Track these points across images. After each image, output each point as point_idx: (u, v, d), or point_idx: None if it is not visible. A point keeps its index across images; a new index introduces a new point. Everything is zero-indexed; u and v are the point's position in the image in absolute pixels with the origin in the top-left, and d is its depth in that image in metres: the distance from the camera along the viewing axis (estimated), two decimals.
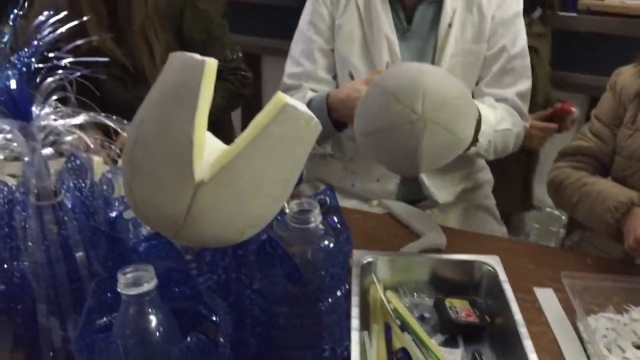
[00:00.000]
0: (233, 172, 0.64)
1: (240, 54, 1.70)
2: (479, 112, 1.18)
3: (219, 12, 1.65)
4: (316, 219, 0.77)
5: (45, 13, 0.81)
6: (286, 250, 0.74)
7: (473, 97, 1.37)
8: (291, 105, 0.64)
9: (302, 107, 0.65)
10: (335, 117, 1.30)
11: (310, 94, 1.39)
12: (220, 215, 0.66)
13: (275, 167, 0.67)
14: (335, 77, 1.45)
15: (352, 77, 1.38)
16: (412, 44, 1.37)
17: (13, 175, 0.95)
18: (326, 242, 0.78)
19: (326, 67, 1.43)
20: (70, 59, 0.76)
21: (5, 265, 0.83)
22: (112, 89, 1.55)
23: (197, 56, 0.65)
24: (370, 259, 1.03)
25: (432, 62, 1.35)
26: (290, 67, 1.46)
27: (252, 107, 2.16)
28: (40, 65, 0.75)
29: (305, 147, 0.69)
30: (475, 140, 1.14)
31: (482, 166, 1.53)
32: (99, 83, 1.34)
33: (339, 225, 0.80)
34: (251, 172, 0.65)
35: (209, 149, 0.66)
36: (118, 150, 0.94)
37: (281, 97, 0.64)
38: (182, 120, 0.63)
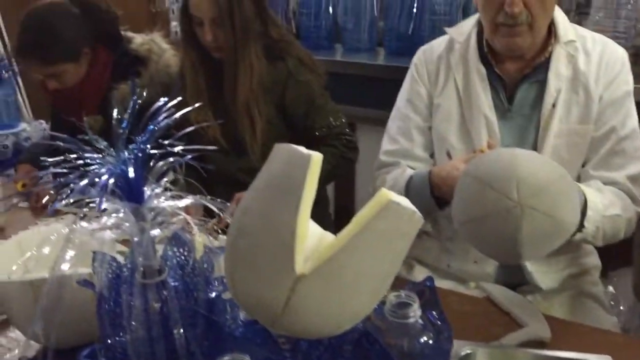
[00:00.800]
0: (334, 267, 0.64)
1: (344, 120, 1.73)
2: (585, 197, 1.12)
3: (320, 83, 1.70)
4: (415, 313, 0.75)
5: (162, 100, 0.87)
6: (383, 345, 0.72)
7: (579, 179, 1.32)
8: (395, 202, 0.63)
9: (406, 203, 0.65)
10: (437, 194, 1.28)
11: (409, 171, 1.38)
12: (319, 308, 0.66)
13: (376, 262, 0.66)
14: (432, 155, 1.43)
15: (449, 156, 1.36)
16: (513, 124, 1.34)
17: (121, 252, 1.00)
18: (425, 338, 0.75)
19: (423, 145, 1.43)
20: (183, 147, 0.79)
21: (109, 340, 0.86)
22: (217, 161, 1.61)
23: (303, 150, 0.66)
24: (468, 351, 0.98)
25: (535, 143, 1.31)
26: (386, 144, 1.47)
27: (346, 174, 2.19)
28: (155, 152, 0.80)
29: (406, 241, 0.68)
30: (581, 226, 1.08)
31: (590, 250, 1.45)
32: (203, 156, 1.39)
33: (439, 322, 0.77)
34: (352, 267, 0.64)
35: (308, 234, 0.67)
36: (220, 231, 0.96)
37: (385, 193, 0.63)
38: (286, 213, 0.64)
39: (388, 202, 0.63)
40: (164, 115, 0.82)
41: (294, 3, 2.58)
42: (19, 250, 1.06)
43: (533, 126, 1.32)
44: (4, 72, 2.91)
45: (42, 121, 3.12)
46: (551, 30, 1.32)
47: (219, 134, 1.62)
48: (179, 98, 0.87)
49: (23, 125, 3.04)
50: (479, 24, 1.37)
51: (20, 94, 3.38)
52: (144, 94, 1.64)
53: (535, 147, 1.31)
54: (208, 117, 1.60)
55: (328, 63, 2.43)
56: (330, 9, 2.45)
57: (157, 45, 1.82)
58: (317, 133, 1.67)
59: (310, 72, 1.68)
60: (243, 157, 1.64)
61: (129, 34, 1.85)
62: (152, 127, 0.82)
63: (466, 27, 1.41)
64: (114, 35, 1.79)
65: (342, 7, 2.43)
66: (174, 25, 2.96)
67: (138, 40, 1.82)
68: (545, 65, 1.31)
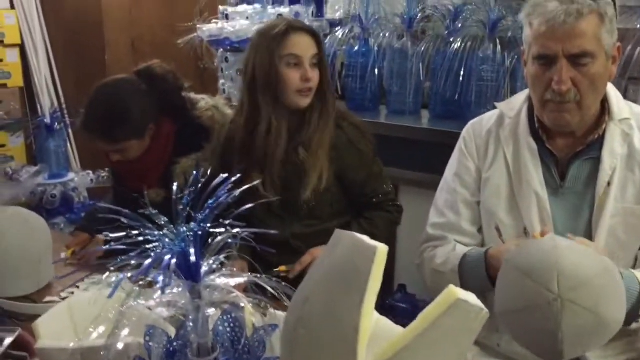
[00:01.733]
0: None
1: (392, 186, 1.76)
2: None
3: (374, 150, 1.71)
4: None
5: (222, 176, 0.88)
6: None
7: (637, 262, 1.27)
8: (463, 300, 0.62)
9: (474, 300, 0.63)
10: (491, 274, 1.25)
11: (461, 247, 1.36)
12: None
13: (440, 358, 0.64)
14: (480, 229, 1.41)
15: (499, 232, 1.34)
16: (565, 201, 1.31)
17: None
18: None
19: (471, 220, 1.41)
20: (242, 230, 0.79)
21: None
22: (270, 226, 1.60)
23: (368, 240, 0.65)
24: None
25: (590, 222, 1.28)
26: (434, 217, 1.46)
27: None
28: (214, 230, 0.80)
29: (472, 337, 0.66)
30: (637, 316, 1.04)
31: None
32: (258, 220, 1.39)
33: None
34: None
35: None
36: (272, 310, 0.95)
37: (453, 291, 0.62)
38: (350, 307, 0.63)
39: (457, 300, 0.61)
40: (224, 192, 0.83)
41: (340, 65, 2.62)
42: (70, 315, 1.07)
43: (587, 205, 1.29)
44: (56, 123, 3.01)
45: (90, 171, 3.20)
46: (605, 107, 1.31)
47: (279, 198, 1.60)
48: (240, 168, 0.88)
49: (71, 175, 3.13)
50: (530, 99, 1.36)
51: (70, 144, 3.49)
52: (205, 168, 1.69)
53: (589, 227, 1.28)
54: (272, 181, 1.60)
55: (373, 125, 2.44)
56: (376, 72, 2.48)
57: (221, 113, 1.80)
58: (374, 200, 1.70)
59: (366, 140, 1.69)
60: (297, 223, 1.64)
61: (192, 96, 1.84)
62: (212, 203, 0.83)
63: (517, 102, 1.40)
64: (178, 106, 1.77)
65: (387, 70, 2.46)
66: (222, 83, 3.04)
67: (202, 104, 1.80)
68: (599, 143, 1.29)
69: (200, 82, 3.97)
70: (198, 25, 2.85)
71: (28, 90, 3.60)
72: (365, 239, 0.65)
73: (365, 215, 1.70)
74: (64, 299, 1.46)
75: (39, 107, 3.58)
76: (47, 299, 1.47)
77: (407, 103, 2.45)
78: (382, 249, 0.64)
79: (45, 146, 3.05)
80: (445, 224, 1.42)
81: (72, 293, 1.48)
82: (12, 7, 3.46)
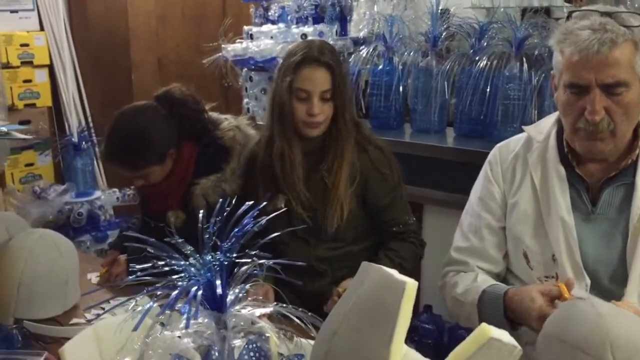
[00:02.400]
0: None
1: (414, 219, 1.73)
2: None
3: (400, 175, 1.69)
4: None
5: (247, 203, 0.87)
6: None
7: None
8: (496, 339, 0.60)
9: (507, 338, 0.61)
10: (510, 316, 1.24)
11: (481, 277, 1.34)
12: None
13: None
14: (506, 255, 1.38)
15: (526, 258, 1.31)
16: (597, 228, 1.27)
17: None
18: None
19: (495, 246, 1.38)
20: (269, 260, 0.78)
21: None
22: (294, 249, 1.61)
23: (397, 275, 0.64)
24: None
25: (623, 250, 1.24)
26: (458, 240, 1.44)
27: None
28: (240, 261, 0.79)
29: None
30: None
31: None
32: (281, 243, 1.37)
33: None
34: None
35: None
36: (298, 339, 0.94)
37: (486, 329, 0.60)
38: (379, 343, 0.61)
39: (490, 340, 0.59)
40: (250, 221, 0.83)
41: (364, 83, 2.62)
42: (96, 342, 1.07)
43: (620, 232, 1.25)
44: (83, 142, 3.05)
45: (116, 190, 3.23)
46: (638, 132, 1.27)
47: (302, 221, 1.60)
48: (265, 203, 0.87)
49: (97, 194, 3.16)
50: (559, 122, 1.33)
51: (97, 163, 3.53)
52: (225, 188, 1.70)
53: (623, 255, 1.24)
54: (296, 204, 1.60)
55: (397, 144, 2.43)
56: (400, 90, 2.47)
57: (242, 133, 1.78)
58: (394, 229, 1.67)
59: (390, 164, 1.67)
60: (322, 245, 1.63)
61: (215, 116, 1.83)
62: (237, 232, 0.82)
63: (545, 126, 1.37)
64: (198, 129, 1.76)
65: (412, 89, 2.45)
66: (246, 102, 3.05)
67: (224, 124, 1.79)
68: (632, 168, 1.26)
69: (225, 100, 4.00)
70: (223, 45, 2.88)
71: (56, 110, 3.66)
72: (394, 273, 0.64)
73: (391, 246, 1.67)
74: (89, 320, 1.47)
75: (66, 126, 3.64)
76: (74, 320, 1.48)
77: (431, 121, 2.43)
78: (412, 284, 0.62)
79: (72, 165, 3.09)
80: (468, 248, 1.40)
81: (98, 315, 1.48)
82: (42, 28, 3.53)
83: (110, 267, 1.73)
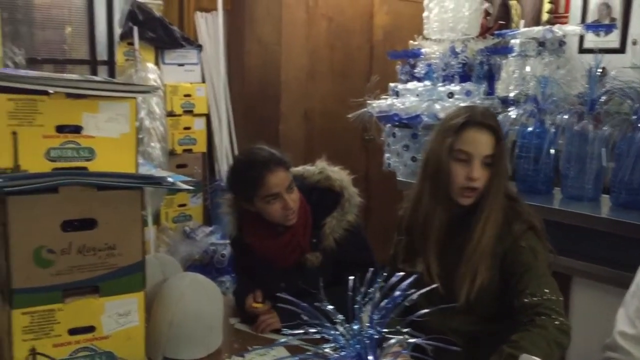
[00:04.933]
0: None
1: (560, 298, 1.47)
2: None
3: (545, 247, 1.56)
4: None
5: (397, 274, 0.86)
6: None
7: None
8: None
9: None
10: None
11: None
12: None
13: None
14: None
15: None
16: None
17: None
18: None
19: None
20: (418, 339, 0.76)
21: None
22: (429, 319, 1.52)
23: None
24: None
25: None
26: (623, 325, 1.31)
27: None
28: (390, 336, 0.78)
29: None
30: None
31: None
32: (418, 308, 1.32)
33: None
34: None
35: None
36: None
37: None
38: None
39: None
40: (401, 294, 0.82)
41: (511, 144, 2.53)
42: None
43: None
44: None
45: None
46: None
47: (439, 290, 1.51)
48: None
49: None
50: None
51: None
52: (349, 219, 1.76)
53: None
54: (432, 270, 1.55)
55: (545, 210, 2.30)
56: (552, 153, 2.35)
57: (326, 173, 1.89)
58: (525, 300, 1.43)
59: (539, 242, 1.54)
60: (455, 316, 1.54)
61: (294, 169, 1.90)
62: (388, 303, 0.82)
63: None
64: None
65: (565, 153, 2.32)
66: (387, 157, 3.08)
67: (310, 171, 1.91)
68: None
69: (365, 154, 4.07)
70: (368, 101, 2.94)
71: (208, 155, 3.94)
72: None
73: (512, 338, 1.38)
74: None
75: (217, 171, 3.89)
76: None
77: (585, 189, 2.29)
78: None
79: (220, 208, 3.28)
80: (635, 336, 1.27)
81: None
82: (203, 80, 3.84)
83: (263, 315, 1.77)
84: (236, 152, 3.94)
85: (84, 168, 1.33)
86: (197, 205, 3.82)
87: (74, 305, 1.33)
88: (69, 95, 1.30)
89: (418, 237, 1.58)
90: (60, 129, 1.30)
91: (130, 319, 1.39)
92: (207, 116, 3.88)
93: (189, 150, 3.78)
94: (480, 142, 1.49)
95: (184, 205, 3.77)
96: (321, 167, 1.92)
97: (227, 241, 3.26)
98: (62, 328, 1.32)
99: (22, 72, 1.71)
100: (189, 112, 3.76)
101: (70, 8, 2.60)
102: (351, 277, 0.87)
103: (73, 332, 1.33)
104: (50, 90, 1.28)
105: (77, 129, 1.31)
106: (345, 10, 3.95)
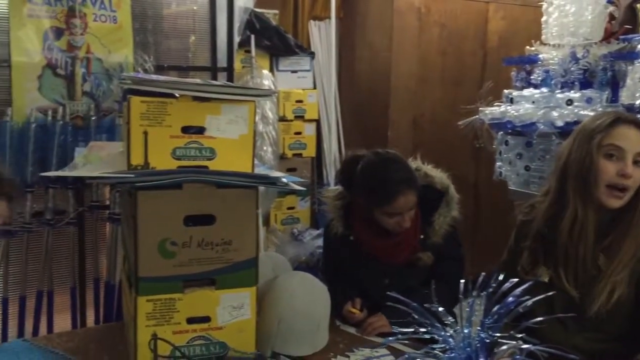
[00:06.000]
0: None
1: None
2: None
3: None
4: None
5: (511, 281, 0.84)
6: None
7: None
8: None
9: None
10: None
11: None
12: None
13: None
14: None
15: None
16: None
17: None
18: None
19: None
20: (534, 346, 0.74)
21: None
22: (550, 333, 1.38)
23: None
24: None
25: None
26: None
27: None
28: (502, 341, 0.77)
29: None
30: None
31: None
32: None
33: None
34: None
35: None
36: None
37: None
38: None
39: None
40: (515, 300, 0.80)
41: None
42: None
43: None
44: None
45: None
46: None
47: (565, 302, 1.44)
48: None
49: None
50: None
51: None
52: (454, 216, 1.85)
53: None
54: (566, 279, 1.45)
55: None
56: None
57: (423, 170, 1.89)
58: None
59: None
60: (583, 332, 1.45)
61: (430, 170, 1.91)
62: (500, 309, 0.80)
63: None
64: None
65: None
66: (499, 165, 2.99)
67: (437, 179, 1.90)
68: None
69: (475, 162, 3.98)
70: (480, 108, 2.87)
71: (317, 160, 4.02)
72: None
73: None
74: None
75: (325, 175, 3.96)
76: None
77: None
78: None
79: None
80: None
81: None
82: (314, 87, 3.93)
83: (370, 317, 1.79)
84: (344, 157, 3.99)
85: (205, 167, 1.41)
86: (305, 208, 3.91)
87: (193, 295, 1.41)
88: (195, 98, 1.39)
89: (558, 245, 1.47)
90: (185, 129, 1.39)
91: (243, 312, 1.46)
92: (317, 122, 3.96)
93: (299, 155, 3.88)
94: (633, 138, 1.40)
95: (292, 208, 3.87)
96: (417, 165, 1.92)
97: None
98: (181, 316, 1.41)
99: (154, 76, 1.84)
100: (300, 117, 3.86)
101: (194, 18, 2.76)
102: (462, 280, 0.86)
103: (190, 321, 1.42)
104: (177, 93, 1.38)
105: (200, 130, 1.40)
106: (459, 16, 3.89)
